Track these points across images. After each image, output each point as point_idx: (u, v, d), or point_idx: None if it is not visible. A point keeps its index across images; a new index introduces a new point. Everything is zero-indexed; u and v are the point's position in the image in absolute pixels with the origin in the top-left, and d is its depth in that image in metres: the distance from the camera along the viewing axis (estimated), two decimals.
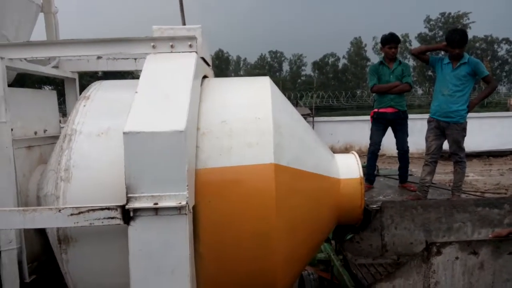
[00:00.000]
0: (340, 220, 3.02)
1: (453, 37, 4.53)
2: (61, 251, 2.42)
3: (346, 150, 15.56)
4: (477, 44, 63.39)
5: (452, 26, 60.75)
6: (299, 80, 69.54)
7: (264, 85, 2.85)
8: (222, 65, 70.75)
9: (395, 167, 5.52)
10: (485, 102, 27.96)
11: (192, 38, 2.67)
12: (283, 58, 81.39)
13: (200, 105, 2.62)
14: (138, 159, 2.17)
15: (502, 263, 2.78)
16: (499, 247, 2.78)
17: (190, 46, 2.67)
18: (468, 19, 61.08)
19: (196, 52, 2.67)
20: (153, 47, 2.65)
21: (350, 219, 3.05)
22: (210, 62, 3.30)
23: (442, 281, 2.77)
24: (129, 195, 2.17)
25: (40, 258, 2.98)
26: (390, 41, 5.08)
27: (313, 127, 16.80)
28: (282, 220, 2.44)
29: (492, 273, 2.80)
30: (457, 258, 2.75)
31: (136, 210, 2.16)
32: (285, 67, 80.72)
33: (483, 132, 15.41)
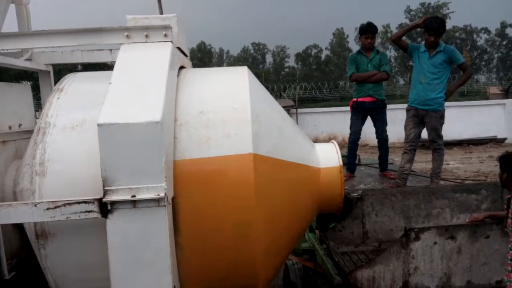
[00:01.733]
0: (321, 209, 3.04)
1: (432, 24, 4.57)
2: (39, 247, 2.38)
3: (330, 140, 15.61)
4: (457, 34, 64.20)
5: (432, 16, 61.31)
6: (282, 72, 69.45)
7: (242, 75, 2.82)
8: (205, 58, 70.16)
9: (377, 156, 5.57)
10: (465, 91, 28.40)
11: (167, 27, 2.63)
12: (266, 50, 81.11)
13: (177, 96, 2.59)
14: (113, 151, 2.13)
15: (479, 247, 2.84)
16: (476, 231, 2.85)
17: (165, 35, 2.63)
18: (448, 8, 61.71)
19: (172, 42, 2.64)
20: (127, 36, 2.60)
21: (331, 207, 3.07)
22: (187, 52, 3.26)
23: (421, 266, 2.83)
24: (106, 188, 2.14)
25: (20, 255, 2.93)
26: (366, 31, 5.10)
27: (296, 119, 16.85)
28: (262, 210, 2.44)
29: (469, 257, 2.86)
30: (435, 243, 2.80)
31: (113, 203, 2.13)
32: (269, 59, 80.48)
33: (463, 120, 15.70)
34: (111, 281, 2.20)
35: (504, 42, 64.85)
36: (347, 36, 69.09)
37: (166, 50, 2.55)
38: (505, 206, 2.80)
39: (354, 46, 68.59)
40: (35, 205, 2.16)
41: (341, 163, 3.00)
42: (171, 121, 2.40)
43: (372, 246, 3.64)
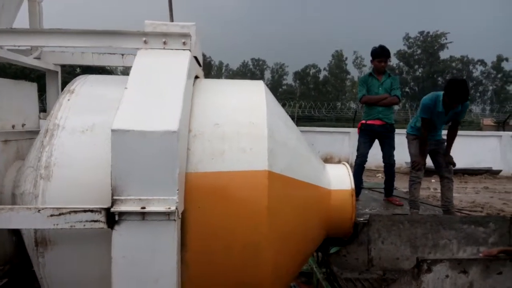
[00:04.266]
0: (329, 232, 2.94)
1: (461, 97, 4.44)
2: (38, 255, 2.25)
3: (326, 160, 15.35)
4: (454, 64, 65.26)
5: (430, 45, 62.45)
6: (280, 89, 69.86)
7: (258, 89, 2.75)
8: (204, 70, 70.33)
9: (374, 180, 5.52)
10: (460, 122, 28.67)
11: (186, 35, 2.56)
12: (265, 66, 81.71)
13: (192, 106, 2.50)
14: (126, 159, 2.03)
15: (492, 283, 2.74)
16: (489, 266, 2.75)
17: (184, 43, 2.55)
18: (446, 39, 62.97)
19: (190, 50, 2.56)
20: (145, 42, 2.52)
21: (339, 231, 2.98)
22: (201, 62, 3.19)
23: None
24: (114, 197, 2.03)
25: (13, 261, 2.78)
26: (380, 55, 5.09)
27: None
28: (273, 230, 2.33)
29: None
30: (447, 276, 2.70)
31: (121, 213, 2.02)
32: (267, 75, 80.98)
33: (458, 150, 15.65)
34: None
35: (499, 75, 65.93)
36: (346, 58, 70.06)
37: (184, 59, 2.48)
38: None
39: (352, 69, 69.57)
40: (39, 211, 2.04)
41: (353, 186, 2.92)
42: (186, 131, 2.31)
43: (376, 274, 3.52)
